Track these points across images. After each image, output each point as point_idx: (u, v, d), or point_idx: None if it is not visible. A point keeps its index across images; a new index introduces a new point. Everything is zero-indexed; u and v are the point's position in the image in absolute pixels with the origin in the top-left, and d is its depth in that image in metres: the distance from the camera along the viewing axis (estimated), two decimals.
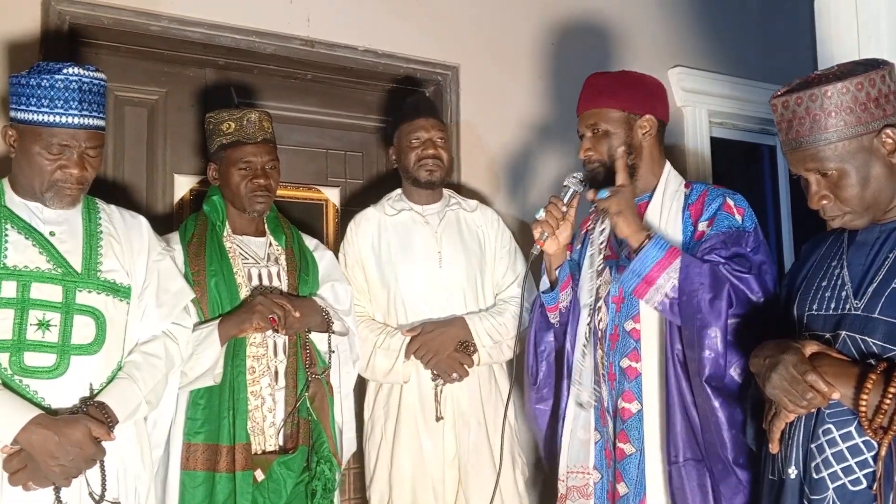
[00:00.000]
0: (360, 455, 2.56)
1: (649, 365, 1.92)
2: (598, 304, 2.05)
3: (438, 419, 2.38)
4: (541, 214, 2.02)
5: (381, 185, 2.96)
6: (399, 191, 2.61)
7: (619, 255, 2.03)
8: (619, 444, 1.95)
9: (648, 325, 1.94)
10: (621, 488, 1.93)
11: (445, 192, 2.62)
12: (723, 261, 1.85)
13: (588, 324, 2.06)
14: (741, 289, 1.80)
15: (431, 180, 2.49)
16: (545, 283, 2.15)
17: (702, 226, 1.96)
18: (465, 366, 2.38)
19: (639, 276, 1.86)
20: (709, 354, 1.77)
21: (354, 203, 2.93)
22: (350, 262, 2.51)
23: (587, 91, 2.12)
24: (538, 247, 2.02)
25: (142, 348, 1.92)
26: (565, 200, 2.03)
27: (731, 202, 1.96)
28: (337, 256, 2.50)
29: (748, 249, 1.88)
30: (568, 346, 2.12)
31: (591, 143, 2.05)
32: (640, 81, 2.13)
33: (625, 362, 1.96)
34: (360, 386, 2.58)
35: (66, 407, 1.75)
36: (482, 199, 2.78)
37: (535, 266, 2.25)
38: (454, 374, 2.38)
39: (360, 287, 2.49)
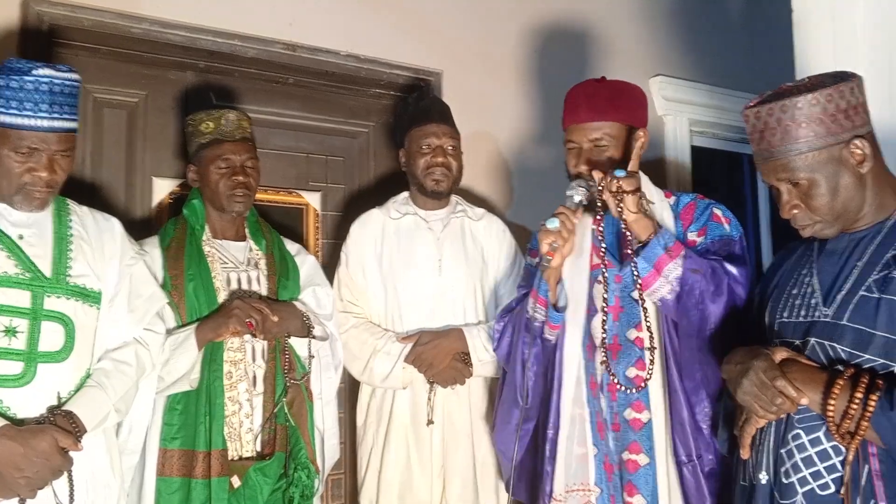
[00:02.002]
0: (351, 461, 2.56)
1: (655, 373, 1.90)
2: (594, 315, 1.99)
3: (429, 423, 2.37)
4: (554, 224, 1.87)
5: (362, 190, 2.97)
6: (406, 194, 2.59)
7: (612, 264, 1.98)
8: (631, 456, 1.91)
9: (652, 332, 1.91)
10: (637, 500, 1.89)
11: (453, 198, 2.59)
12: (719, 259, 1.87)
13: (580, 335, 2.00)
14: (738, 283, 1.82)
15: (438, 190, 2.47)
16: (543, 293, 2.03)
17: (692, 235, 1.96)
18: (463, 375, 2.38)
19: (650, 262, 1.81)
20: (709, 343, 1.79)
21: (335, 208, 2.94)
22: (352, 262, 2.48)
23: (586, 101, 2.03)
24: (549, 258, 1.88)
25: (112, 355, 1.89)
26: (573, 210, 1.92)
27: (718, 212, 1.98)
28: (338, 255, 2.51)
29: (737, 254, 1.91)
30: (558, 360, 2.03)
31: (590, 157, 1.98)
32: (634, 92, 2.09)
33: (631, 371, 1.93)
34: (354, 392, 2.57)
35: (33, 416, 1.71)
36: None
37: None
38: (453, 384, 2.38)
39: (359, 288, 2.47)
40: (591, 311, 2.00)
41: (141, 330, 1.97)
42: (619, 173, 1.85)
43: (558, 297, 2.02)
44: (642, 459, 1.90)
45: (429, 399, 2.38)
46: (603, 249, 1.93)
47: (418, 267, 2.46)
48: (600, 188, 1.86)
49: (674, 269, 1.81)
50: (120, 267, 1.95)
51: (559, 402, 2.01)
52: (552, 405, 2.04)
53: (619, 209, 1.85)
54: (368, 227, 2.52)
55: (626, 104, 2.04)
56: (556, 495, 1.99)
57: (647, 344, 1.89)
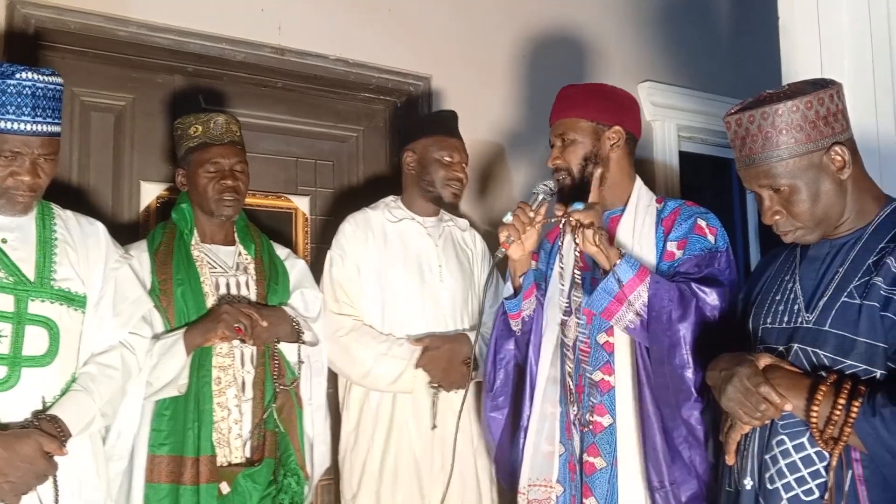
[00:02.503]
0: (333, 468, 2.52)
1: (622, 379, 1.92)
2: (569, 316, 2.03)
3: (433, 427, 2.36)
4: (508, 218, 1.98)
5: (351, 194, 2.97)
6: (394, 198, 2.58)
7: (591, 268, 2.02)
8: (589, 458, 1.94)
9: (622, 338, 1.94)
10: (590, 503, 1.92)
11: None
12: (690, 279, 1.87)
13: (556, 335, 2.05)
14: (708, 305, 1.83)
15: (454, 202, 2.51)
16: (508, 289, 2.11)
17: (671, 246, 1.98)
18: (466, 380, 2.35)
19: (610, 294, 1.86)
20: (679, 370, 1.79)
21: (324, 212, 2.93)
22: (348, 261, 2.43)
23: (559, 101, 2.14)
24: (503, 250, 1.98)
25: (97, 359, 1.88)
26: (534, 207, 1.99)
27: (702, 223, 1.98)
28: (325, 253, 2.49)
29: (720, 268, 1.92)
30: (531, 357, 2.10)
31: (560, 152, 2.08)
32: (612, 93, 2.15)
33: (597, 375, 1.95)
34: (335, 398, 2.55)
35: (17, 421, 1.70)
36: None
37: (499, 271, 2.25)
38: (457, 388, 2.36)
39: (353, 288, 2.42)
40: (567, 313, 2.05)
41: (126, 334, 1.96)
42: (577, 206, 1.91)
43: (519, 286, 2.09)
44: (599, 463, 1.93)
45: (433, 403, 2.37)
46: (586, 256, 1.98)
47: (421, 272, 2.46)
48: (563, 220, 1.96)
49: (636, 298, 1.84)
50: (105, 271, 1.94)
51: (532, 398, 2.06)
52: (525, 400, 2.10)
53: (577, 243, 1.92)
54: (364, 227, 2.48)
55: (594, 101, 2.10)
56: (521, 488, 2.05)
57: (614, 350, 1.94)
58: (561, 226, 2.10)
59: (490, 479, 2.45)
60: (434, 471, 2.35)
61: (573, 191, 2.04)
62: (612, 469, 1.91)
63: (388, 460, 2.35)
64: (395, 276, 2.44)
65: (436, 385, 2.36)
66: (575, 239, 1.94)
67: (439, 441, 2.36)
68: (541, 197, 2.01)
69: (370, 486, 2.37)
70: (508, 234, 1.97)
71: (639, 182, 2.12)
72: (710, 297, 1.83)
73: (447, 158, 2.48)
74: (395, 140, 3.04)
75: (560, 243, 2.16)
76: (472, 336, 2.38)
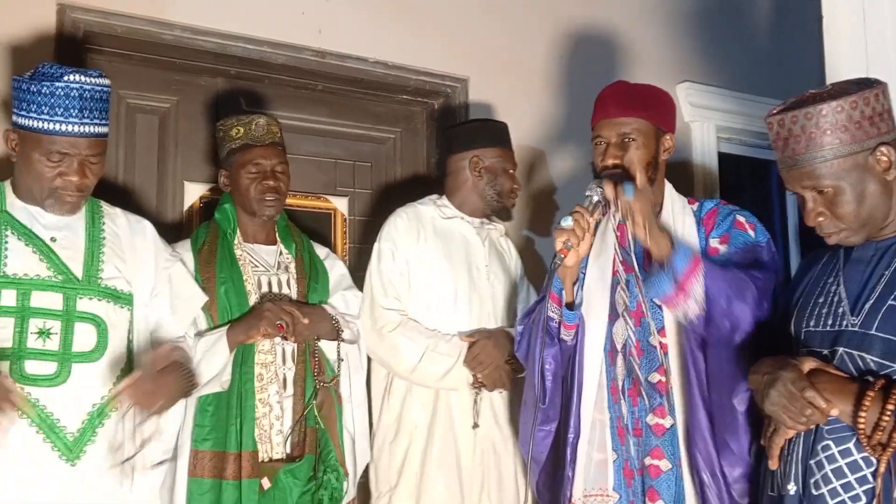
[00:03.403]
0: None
1: (677, 379, 1.89)
2: (616, 320, 1.99)
3: (474, 426, 2.36)
4: (567, 223, 1.83)
5: (389, 195, 2.99)
6: (439, 196, 2.58)
7: (634, 269, 1.97)
8: (654, 461, 1.90)
9: (673, 338, 1.91)
10: None
11: None
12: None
13: (600, 340, 1.99)
14: (760, 289, 1.79)
15: (510, 212, 2.58)
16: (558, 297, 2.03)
17: (714, 241, 1.95)
18: (510, 379, 2.38)
19: (674, 282, 1.77)
20: (737, 352, 1.76)
21: (362, 212, 2.96)
22: (399, 254, 2.41)
23: (618, 97, 2.03)
24: (561, 256, 1.83)
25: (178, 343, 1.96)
26: (591, 210, 1.87)
27: (741, 219, 1.96)
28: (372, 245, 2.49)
29: (765, 260, 1.90)
30: (576, 364, 2.03)
31: (618, 152, 1.97)
32: (668, 98, 2.10)
33: (654, 377, 1.92)
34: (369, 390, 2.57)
35: (69, 415, 1.74)
36: None
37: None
38: (500, 388, 2.37)
39: (402, 283, 2.40)
40: (612, 316, 2.00)
41: (188, 327, 2.02)
42: (628, 192, 1.82)
43: (575, 296, 2.00)
44: (664, 465, 1.90)
45: (475, 402, 2.37)
46: (624, 254, 1.93)
47: (469, 270, 2.47)
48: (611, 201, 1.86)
49: (695, 286, 1.77)
50: (155, 270, 1.97)
51: (580, 407, 2.00)
52: (572, 409, 2.03)
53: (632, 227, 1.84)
54: (416, 221, 2.47)
55: (656, 105, 2.04)
56: (575, 500, 1.98)
57: (669, 350, 1.89)
58: (609, 217, 2.01)
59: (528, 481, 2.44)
60: (473, 469, 2.35)
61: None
62: (677, 470, 1.88)
63: (431, 455, 2.34)
64: (444, 272, 2.44)
65: (478, 385, 2.36)
66: (616, 232, 1.89)
67: (479, 439, 2.36)
68: (596, 199, 1.88)
69: (410, 480, 2.35)
70: (567, 238, 1.83)
71: (669, 185, 2.09)
72: (764, 282, 1.80)
73: (510, 168, 2.54)
74: (431, 142, 3.06)
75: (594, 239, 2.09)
76: (513, 332, 2.37)
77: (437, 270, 2.44)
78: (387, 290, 2.39)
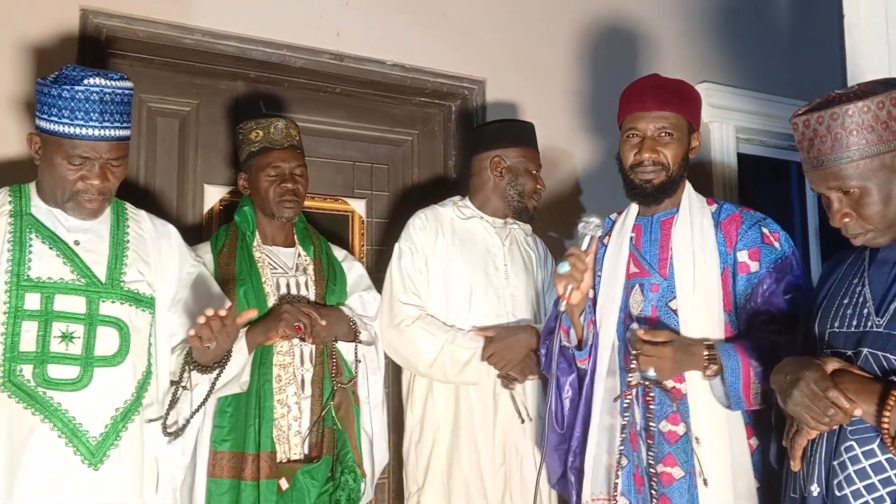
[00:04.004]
0: (393, 464, 2.57)
1: (696, 385, 1.87)
2: (629, 324, 1.98)
3: (522, 421, 2.37)
4: (565, 269, 1.90)
5: (406, 197, 3.00)
6: (460, 197, 2.60)
7: (649, 273, 1.99)
8: (666, 469, 1.89)
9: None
10: None
11: None
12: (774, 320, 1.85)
13: (612, 344, 1.99)
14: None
15: (532, 214, 2.56)
16: (573, 337, 2.07)
17: (742, 256, 1.93)
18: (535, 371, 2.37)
19: (740, 398, 1.80)
20: None
21: (380, 215, 2.97)
22: (417, 253, 2.44)
23: (656, 90, 2.00)
24: (565, 302, 1.92)
25: None
26: (585, 249, 1.94)
27: (766, 231, 1.94)
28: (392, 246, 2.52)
29: (796, 274, 1.89)
30: (590, 366, 2.05)
31: (658, 146, 1.95)
32: (699, 95, 2.08)
33: (669, 383, 1.90)
34: (397, 392, 2.58)
35: (92, 420, 1.73)
36: None
37: None
38: (532, 377, 2.37)
39: (421, 280, 2.43)
40: (626, 321, 1.99)
41: None
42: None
43: (584, 336, 2.03)
44: (677, 473, 1.88)
45: (513, 398, 2.37)
46: (639, 256, 1.94)
47: (486, 269, 2.47)
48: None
49: (757, 384, 1.78)
50: (179, 274, 1.97)
51: (589, 410, 2.01)
52: (580, 413, 2.05)
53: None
54: (434, 222, 2.50)
55: (689, 101, 2.04)
56: (584, 502, 1.99)
57: None
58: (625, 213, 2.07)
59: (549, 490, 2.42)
60: (495, 467, 2.36)
61: (658, 190, 1.98)
62: (690, 478, 1.85)
63: (457, 457, 2.35)
64: (462, 271, 2.45)
65: (510, 378, 2.36)
66: (632, 234, 1.92)
67: (500, 438, 2.37)
68: (588, 237, 1.94)
69: (436, 479, 2.37)
70: (567, 284, 1.91)
71: (688, 184, 2.08)
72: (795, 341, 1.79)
73: (534, 170, 2.53)
74: (449, 144, 3.06)
75: (605, 247, 2.11)
76: (537, 328, 2.38)
77: (455, 270, 2.45)
78: (406, 287, 2.41)
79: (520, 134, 2.58)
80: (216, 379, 1.93)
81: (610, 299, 2.02)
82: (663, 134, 1.97)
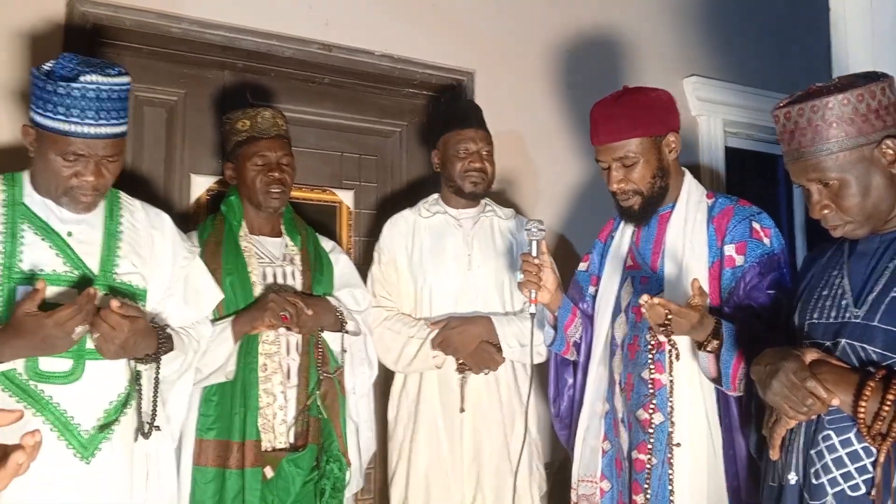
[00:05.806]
0: (381, 455, 2.62)
1: (678, 376, 1.88)
2: (618, 315, 2.05)
3: (461, 410, 2.40)
4: (520, 277, 2.06)
5: (394, 188, 3.00)
6: (436, 196, 2.64)
7: (641, 266, 2.02)
8: (639, 455, 1.93)
9: (674, 337, 1.88)
10: (639, 499, 1.91)
11: (483, 199, 2.63)
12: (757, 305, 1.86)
13: (606, 334, 2.06)
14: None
15: (476, 192, 2.53)
16: (549, 332, 2.18)
17: (729, 249, 1.94)
18: (495, 361, 2.41)
19: (729, 377, 1.81)
20: None
21: (368, 206, 2.97)
22: (384, 259, 2.55)
23: (604, 122, 2.03)
24: (533, 305, 2.06)
25: (188, 329, 1.97)
26: (534, 253, 2.05)
27: (757, 226, 1.95)
28: (371, 255, 2.60)
29: (782, 272, 1.91)
30: (582, 357, 2.13)
31: (623, 175, 2.00)
32: (655, 100, 2.06)
33: (647, 373, 1.92)
34: (387, 387, 2.61)
35: (84, 413, 1.72)
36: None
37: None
38: (486, 369, 2.41)
39: (391, 283, 2.53)
40: (616, 311, 2.05)
41: (202, 318, 2.04)
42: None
43: (569, 330, 2.15)
44: (649, 460, 1.91)
45: (461, 388, 2.42)
46: (636, 252, 1.99)
47: (447, 262, 2.51)
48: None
49: (741, 377, 1.80)
50: (172, 268, 1.96)
51: (582, 394, 2.09)
52: (575, 400, 2.15)
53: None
54: (399, 226, 2.58)
55: (647, 117, 2.01)
56: (573, 483, 2.10)
57: (665, 348, 1.87)
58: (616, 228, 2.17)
59: (529, 472, 2.46)
60: (463, 460, 2.41)
61: (643, 211, 2.03)
62: (662, 467, 1.88)
63: (416, 447, 2.43)
64: (427, 267, 2.51)
65: (464, 368, 2.42)
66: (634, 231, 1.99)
67: (468, 429, 2.41)
68: (535, 241, 2.06)
69: (402, 473, 2.46)
70: (528, 289, 2.05)
71: (688, 176, 2.09)
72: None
73: (462, 151, 2.50)
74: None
75: (610, 239, 2.18)
76: (499, 320, 2.42)
77: (419, 269, 2.52)
78: (376, 290, 2.53)
79: (447, 120, 2.59)
80: (157, 371, 1.86)
81: (607, 293, 2.10)
82: (624, 164, 2.00)
